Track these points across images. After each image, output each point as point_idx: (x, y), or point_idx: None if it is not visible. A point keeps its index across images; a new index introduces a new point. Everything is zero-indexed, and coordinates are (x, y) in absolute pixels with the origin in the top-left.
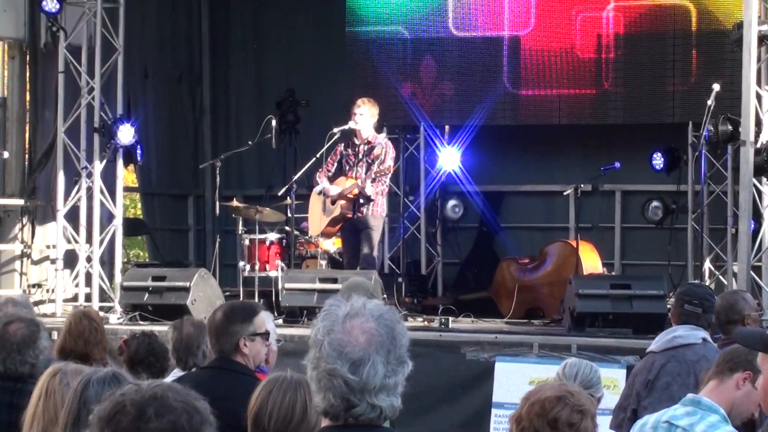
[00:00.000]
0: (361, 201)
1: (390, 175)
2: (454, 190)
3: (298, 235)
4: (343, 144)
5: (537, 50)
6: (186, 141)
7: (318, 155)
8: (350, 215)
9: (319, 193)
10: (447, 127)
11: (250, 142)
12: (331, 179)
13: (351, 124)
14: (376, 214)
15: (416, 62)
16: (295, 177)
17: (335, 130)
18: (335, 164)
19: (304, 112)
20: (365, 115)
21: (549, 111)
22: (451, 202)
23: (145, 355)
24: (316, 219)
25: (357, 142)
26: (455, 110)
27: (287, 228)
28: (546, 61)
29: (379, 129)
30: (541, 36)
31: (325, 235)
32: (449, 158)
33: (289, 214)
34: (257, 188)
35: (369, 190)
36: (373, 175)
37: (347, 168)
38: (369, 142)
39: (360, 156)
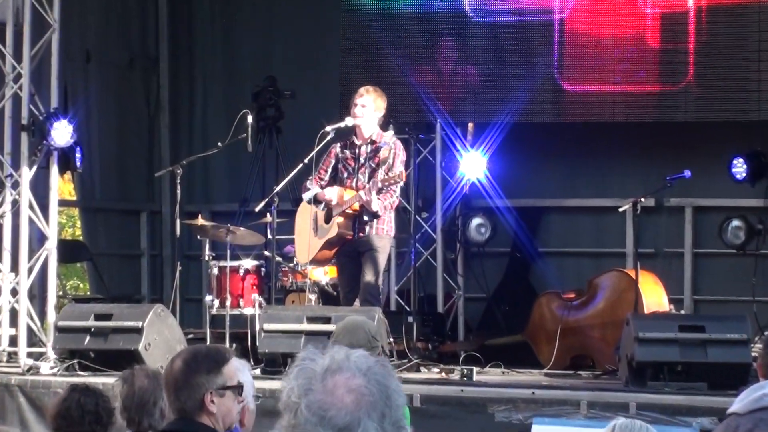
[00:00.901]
0: (365, 218)
1: (401, 183)
2: (479, 205)
3: (280, 262)
4: (339, 145)
5: (586, 30)
6: (139, 142)
7: (307, 160)
8: (350, 236)
9: (311, 202)
10: (470, 124)
11: (219, 144)
12: (325, 189)
13: (350, 120)
14: (382, 233)
15: (431, 43)
16: (277, 188)
17: (328, 128)
18: (329, 171)
19: (288, 106)
20: (369, 108)
21: (601, 105)
22: (476, 221)
23: (80, 417)
24: (305, 241)
25: (357, 142)
26: (481, 104)
27: (267, 253)
28: (597, 45)
29: (384, 127)
30: (591, 14)
31: (317, 262)
32: (473, 164)
33: (270, 236)
34: (229, 202)
35: (375, 204)
36: (379, 184)
37: (345, 175)
38: (373, 142)
39: (362, 160)
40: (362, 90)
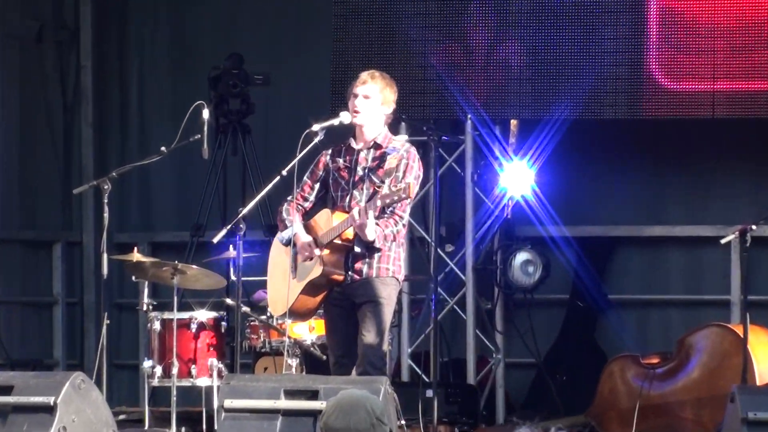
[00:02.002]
0: (359, 251)
1: (412, 203)
2: (526, 234)
3: (248, 314)
4: (330, 152)
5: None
6: (51, 147)
7: (285, 171)
8: (340, 277)
9: (287, 243)
10: (514, 122)
11: (163, 149)
12: (310, 213)
13: (346, 117)
14: (386, 275)
15: (459, 11)
16: (244, 210)
17: (316, 126)
18: (316, 188)
19: (260, 96)
20: (374, 100)
21: (696, 98)
22: (522, 257)
23: None
24: (281, 286)
25: (356, 146)
26: (529, 94)
27: (229, 301)
28: (696, 20)
29: (394, 128)
30: None
31: (297, 314)
32: (517, 177)
33: (234, 277)
34: (176, 230)
35: (371, 229)
36: (378, 202)
37: (338, 192)
38: (377, 147)
39: (360, 170)
40: (365, 75)
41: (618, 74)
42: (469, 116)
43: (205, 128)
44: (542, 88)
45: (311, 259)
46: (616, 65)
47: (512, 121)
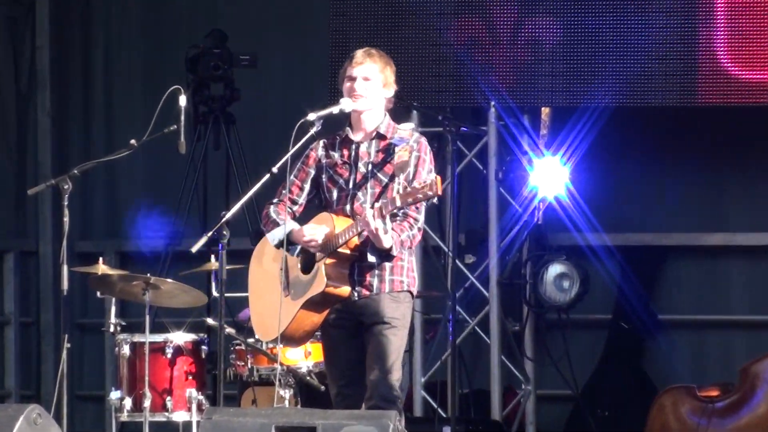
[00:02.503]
0: (369, 261)
1: (428, 203)
2: (560, 242)
3: (233, 337)
4: (322, 145)
5: None
6: (1, 139)
7: (276, 168)
8: (346, 293)
9: (279, 246)
10: (545, 110)
11: (133, 142)
12: (303, 219)
13: (348, 104)
14: (400, 289)
15: None
16: (228, 214)
17: (312, 115)
18: (307, 187)
19: (246, 80)
20: (374, 82)
21: (762, 86)
22: (555, 269)
23: None
24: (269, 304)
25: (354, 137)
26: (563, 77)
27: (211, 321)
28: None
29: (401, 115)
30: None
31: (292, 339)
32: (550, 175)
33: (216, 292)
34: (148, 238)
35: (389, 236)
36: (397, 201)
37: (335, 193)
38: (381, 137)
39: (362, 166)
40: (360, 55)
41: (669, 54)
42: (492, 103)
43: (182, 118)
44: (579, 70)
45: (310, 270)
46: (667, 44)
47: (543, 109)
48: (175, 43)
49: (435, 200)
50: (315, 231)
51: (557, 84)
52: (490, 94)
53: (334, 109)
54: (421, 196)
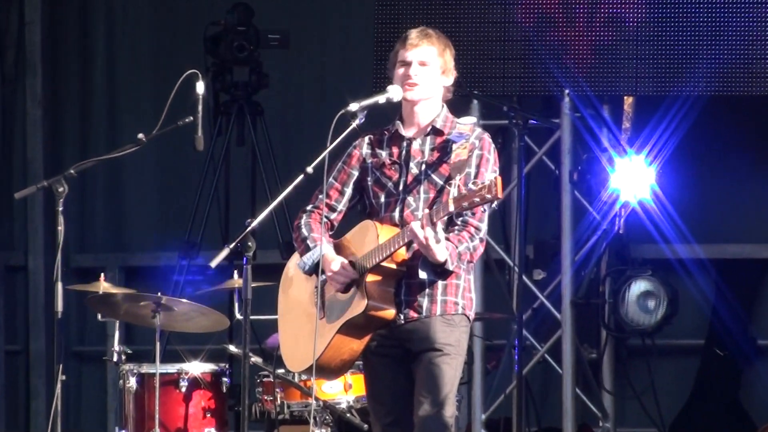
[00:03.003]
0: (424, 277)
1: (490, 209)
2: (644, 255)
3: (260, 366)
4: (368, 142)
5: None
6: None
7: (311, 168)
8: (391, 315)
9: (312, 272)
10: (628, 102)
11: (141, 137)
12: (343, 228)
13: (396, 92)
14: (455, 311)
15: None
16: (254, 222)
17: (354, 105)
18: (348, 192)
19: (276, 64)
20: (432, 68)
21: None
22: (640, 287)
23: None
24: (301, 331)
25: (406, 133)
26: (649, 63)
27: (233, 349)
28: None
29: (459, 106)
30: None
31: (327, 369)
32: (633, 177)
33: (239, 315)
34: (159, 251)
35: (443, 248)
36: (451, 207)
37: (382, 199)
38: (438, 133)
39: (413, 167)
40: (415, 36)
41: None
42: (566, 92)
43: (200, 108)
44: (667, 53)
45: (349, 288)
46: None
47: (626, 98)
48: (191, 19)
49: (495, 205)
50: (340, 271)
51: (642, 70)
52: (564, 82)
53: (381, 98)
54: (478, 199)
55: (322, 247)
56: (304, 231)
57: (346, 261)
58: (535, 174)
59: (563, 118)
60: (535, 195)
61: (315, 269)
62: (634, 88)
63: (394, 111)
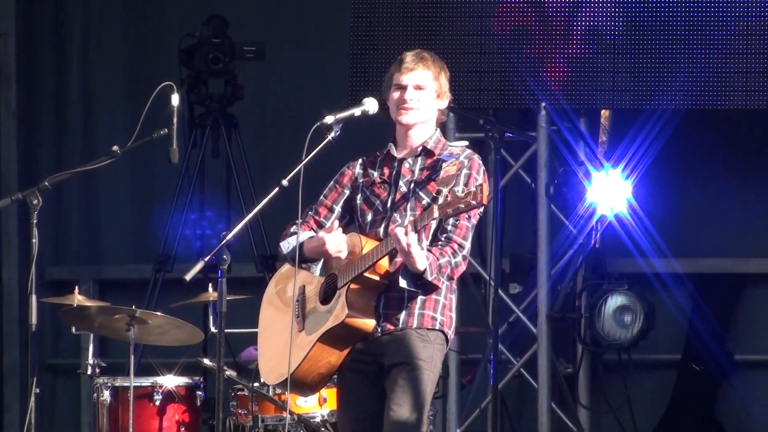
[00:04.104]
0: (404, 286)
1: (473, 229)
2: (621, 269)
3: (234, 380)
4: (361, 162)
5: None
6: None
7: (286, 180)
8: (370, 327)
9: (292, 258)
10: (605, 115)
11: (116, 149)
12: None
13: (372, 104)
14: (432, 326)
15: None
16: (229, 235)
17: (330, 118)
18: (336, 208)
19: (251, 76)
20: (428, 93)
21: None
22: (616, 301)
23: None
24: (275, 345)
25: (397, 154)
26: (626, 76)
27: (208, 362)
28: None
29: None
30: None
31: (302, 383)
32: (610, 191)
33: (214, 328)
34: (133, 263)
35: (423, 256)
36: (436, 213)
37: (370, 217)
38: (428, 154)
39: (403, 185)
40: (411, 60)
41: (751, 48)
42: (543, 105)
43: (175, 120)
44: (644, 66)
45: (330, 298)
46: (748, 35)
47: (603, 112)
48: (166, 31)
49: (480, 211)
50: (335, 242)
51: (619, 83)
52: (541, 94)
53: (356, 111)
54: (463, 206)
55: (302, 234)
56: (290, 229)
57: (337, 230)
58: (512, 187)
59: (539, 131)
60: (511, 208)
61: (296, 258)
62: (611, 101)
63: (389, 128)
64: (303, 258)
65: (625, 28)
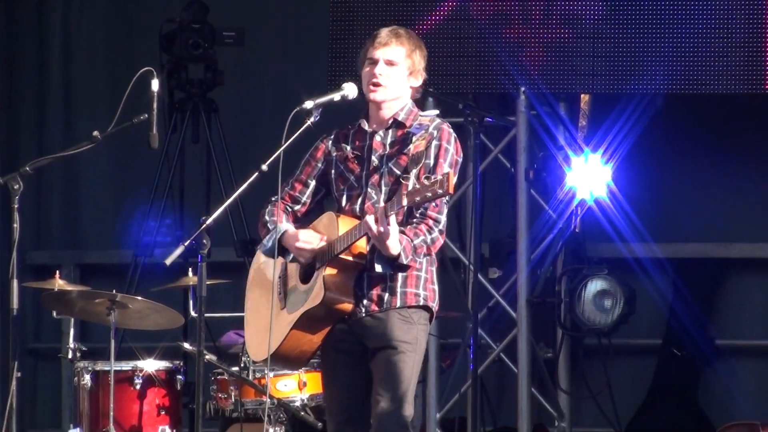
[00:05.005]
0: (380, 270)
1: (450, 201)
2: (601, 254)
3: (214, 364)
4: (333, 137)
5: None
6: None
7: (266, 165)
8: (349, 307)
9: (272, 253)
10: (585, 99)
11: (96, 134)
12: (304, 221)
13: (351, 89)
14: (415, 302)
15: None
16: (209, 220)
17: (309, 103)
18: (312, 185)
19: (231, 61)
20: (400, 69)
21: None
22: (595, 286)
23: None
24: (261, 322)
25: (368, 128)
26: (606, 60)
27: (188, 346)
28: None
29: (420, 107)
30: None
31: (286, 359)
32: (590, 175)
33: (194, 312)
34: (113, 248)
35: (396, 242)
36: (404, 201)
37: (345, 192)
38: (399, 125)
39: (375, 159)
40: (386, 34)
41: (732, 32)
42: (522, 90)
43: (155, 105)
44: (624, 51)
45: (310, 276)
46: (730, 19)
47: (583, 96)
48: (147, 16)
49: (447, 199)
50: (311, 237)
51: (599, 67)
52: (520, 79)
53: (336, 96)
54: (429, 194)
55: (283, 225)
56: (266, 217)
57: (308, 231)
58: (491, 172)
59: (519, 116)
60: (490, 193)
61: (278, 249)
62: (591, 85)
63: (361, 108)
64: (281, 250)
65: (604, 12)
